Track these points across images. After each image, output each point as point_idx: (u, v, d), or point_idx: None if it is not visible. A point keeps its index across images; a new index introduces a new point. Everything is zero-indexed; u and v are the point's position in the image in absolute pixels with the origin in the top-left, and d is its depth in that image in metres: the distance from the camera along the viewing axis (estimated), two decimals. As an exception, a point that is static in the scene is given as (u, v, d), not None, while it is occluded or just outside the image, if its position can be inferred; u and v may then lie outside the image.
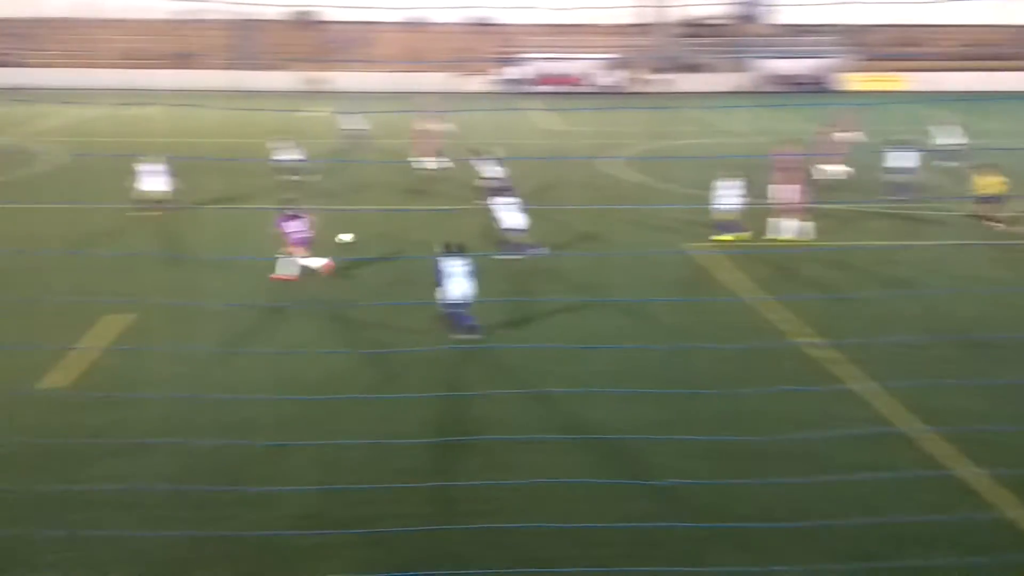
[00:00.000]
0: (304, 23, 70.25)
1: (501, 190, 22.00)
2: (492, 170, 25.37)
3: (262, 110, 37.74)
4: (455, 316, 15.93)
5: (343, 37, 68.23)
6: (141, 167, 24.04)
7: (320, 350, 15.03)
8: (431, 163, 30.94)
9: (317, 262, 19.21)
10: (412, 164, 30.78)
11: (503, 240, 20.67)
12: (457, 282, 15.73)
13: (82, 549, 9.87)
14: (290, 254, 18.92)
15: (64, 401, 13.35)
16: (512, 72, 65.16)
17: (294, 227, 18.94)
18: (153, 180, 24.01)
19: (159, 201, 23.86)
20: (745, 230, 22.40)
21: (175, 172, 24.24)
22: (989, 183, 24.13)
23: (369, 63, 63.84)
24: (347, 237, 21.04)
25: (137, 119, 43.98)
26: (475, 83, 63.38)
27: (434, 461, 11.83)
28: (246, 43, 68.13)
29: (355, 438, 12.21)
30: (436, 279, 15.91)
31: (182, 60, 66.32)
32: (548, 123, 46.39)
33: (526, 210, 20.79)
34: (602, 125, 45.04)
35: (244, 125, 30.77)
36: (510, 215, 20.70)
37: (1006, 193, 23.89)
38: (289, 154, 28.63)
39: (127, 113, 45.11)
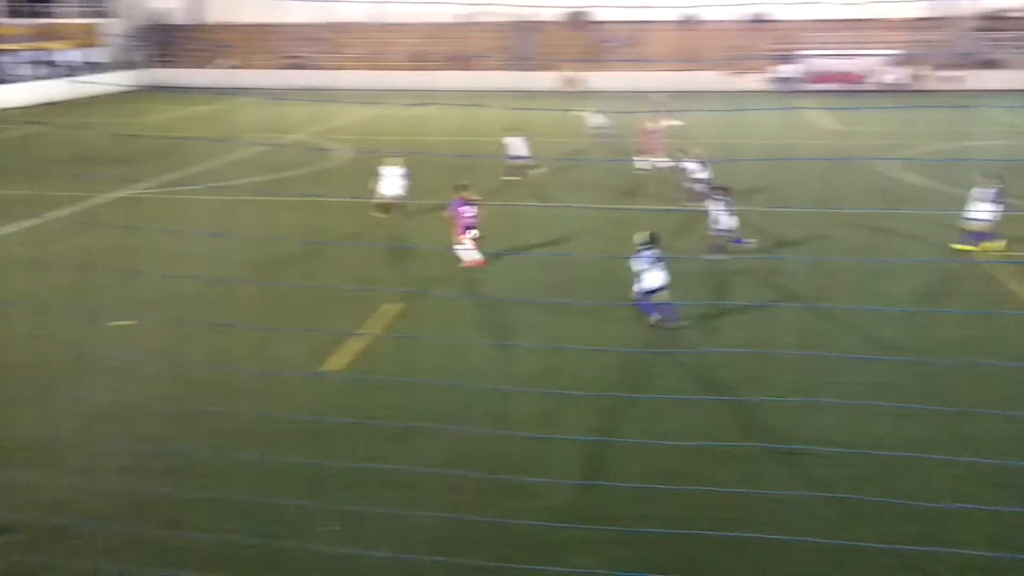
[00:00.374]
0: (578, 23, 71.28)
1: (716, 190, 21.30)
2: (700, 171, 25.27)
3: (532, 109, 38.60)
4: (647, 306, 16.45)
5: (615, 37, 68.69)
6: (382, 170, 24.86)
7: (589, 346, 15.20)
8: (653, 163, 30.69)
9: (472, 255, 19.59)
10: (636, 164, 30.69)
11: (714, 242, 20.12)
12: (650, 274, 16.20)
13: (352, 524, 10.51)
14: (460, 242, 19.53)
15: (343, 384, 14.27)
16: (787, 70, 63.21)
17: (468, 212, 19.50)
18: (391, 184, 24.65)
19: (391, 206, 24.20)
20: (999, 239, 20.65)
21: (410, 176, 24.78)
22: None
23: (640, 62, 63.91)
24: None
25: (417, 119, 46.21)
26: (748, 81, 61.98)
27: (690, 464, 11.71)
28: (521, 45, 70.01)
29: (615, 436, 12.30)
30: (633, 271, 16.29)
31: (462, 62, 69.02)
32: (822, 122, 44.69)
33: (736, 212, 20.25)
34: (881, 124, 42.86)
35: (513, 124, 31.74)
36: (723, 216, 20.22)
37: None
38: (518, 150, 29.78)
39: (409, 113, 47.49)
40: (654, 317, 16.37)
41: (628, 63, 63.90)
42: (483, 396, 13.56)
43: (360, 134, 42.01)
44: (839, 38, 65.01)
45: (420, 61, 68.08)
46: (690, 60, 60.71)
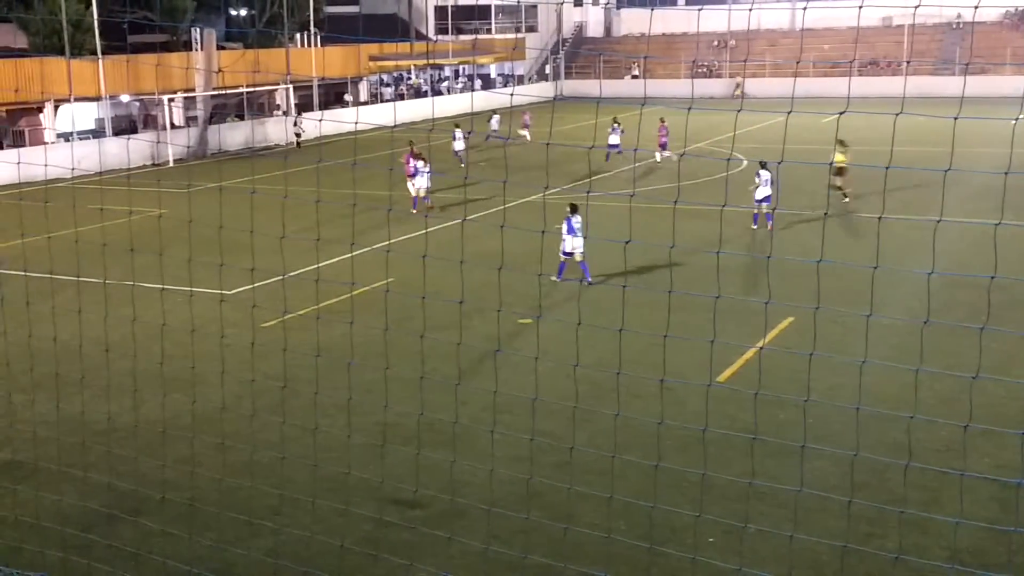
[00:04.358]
0: (1021, 22, 65.24)
1: None
2: None
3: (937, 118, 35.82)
4: (561, 266, 20.69)
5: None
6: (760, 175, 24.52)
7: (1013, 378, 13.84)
8: None
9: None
10: None
11: None
12: (569, 239, 20.43)
13: (730, 537, 10.30)
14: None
15: (731, 395, 14.05)
16: None
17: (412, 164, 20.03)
18: (764, 189, 24.40)
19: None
20: None
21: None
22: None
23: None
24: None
25: (822, 127, 44.52)
26: None
27: None
28: (953, 47, 65.30)
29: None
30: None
31: (874, 67, 65.72)
32: None
33: None
34: None
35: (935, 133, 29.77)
36: None
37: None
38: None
39: (818, 122, 45.93)
40: (560, 279, 20.39)
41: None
42: (877, 421, 12.74)
43: (762, 142, 41.26)
44: None
45: (834, 67, 65.66)
46: None
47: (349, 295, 17.48)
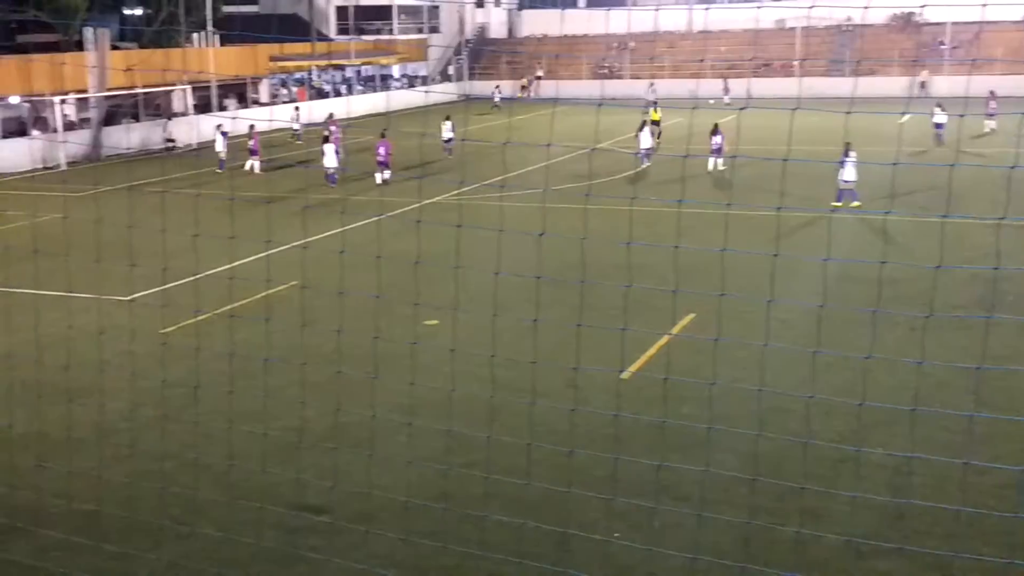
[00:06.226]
0: (906, 25, 67.56)
1: None
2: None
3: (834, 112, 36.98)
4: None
5: (949, 38, 64.54)
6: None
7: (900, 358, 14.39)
8: None
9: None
10: None
11: None
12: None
13: (637, 530, 10.54)
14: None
15: (637, 391, 14.32)
16: None
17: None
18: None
19: None
20: None
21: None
22: None
23: (976, 64, 59.61)
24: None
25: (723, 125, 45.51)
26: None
27: (1000, 498, 10.78)
28: (843, 49, 67.33)
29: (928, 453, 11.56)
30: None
31: (775, 68, 67.42)
32: None
33: None
34: None
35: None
36: None
37: None
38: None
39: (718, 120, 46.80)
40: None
41: (961, 64, 59.87)
42: (778, 411, 13.17)
43: (666, 140, 42.01)
44: None
45: (732, 68, 67.10)
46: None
47: (257, 297, 17.29)
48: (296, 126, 46.59)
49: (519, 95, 67.48)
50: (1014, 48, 62.21)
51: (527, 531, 10.38)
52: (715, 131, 34.93)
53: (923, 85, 59.01)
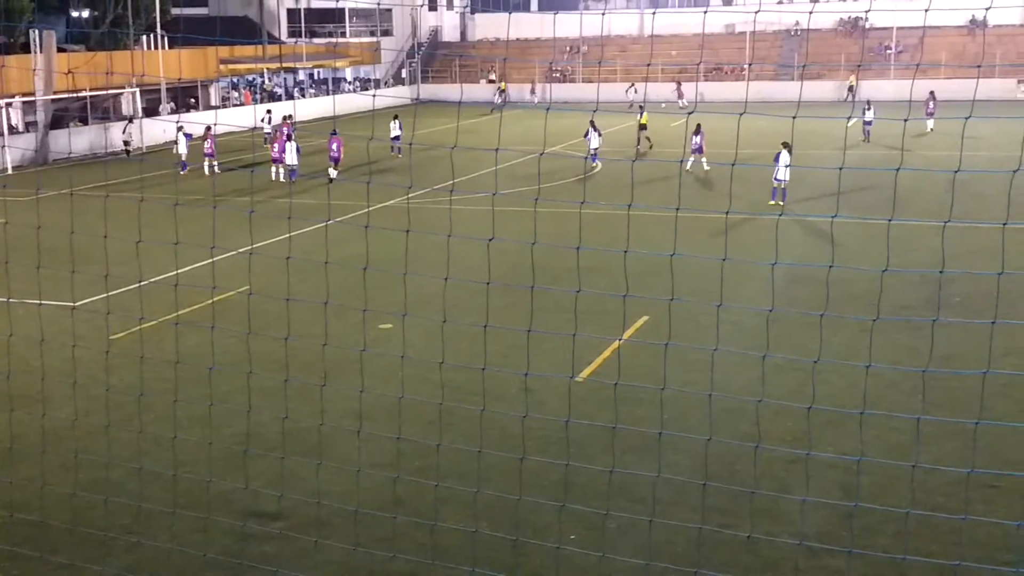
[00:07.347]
0: (853, 30, 68.52)
1: None
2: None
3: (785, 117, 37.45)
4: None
5: (894, 43, 65.52)
6: None
7: (848, 362, 14.54)
8: None
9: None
10: None
11: None
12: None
13: (592, 533, 10.54)
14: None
15: (590, 394, 14.34)
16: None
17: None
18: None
19: None
20: None
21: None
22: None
23: (920, 68, 60.60)
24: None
25: (671, 129, 45.81)
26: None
27: (955, 498, 10.93)
28: (791, 53, 68.10)
29: (871, 456, 11.68)
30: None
31: (719, 72, 68.01)
32: None
33: None
34: None
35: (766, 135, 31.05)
36: None
37: None
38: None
39: (667, 124, 47.14)
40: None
41: (905, 69, 60.79)
42: (728, 413, 13.26)
43: (619, 145, 42.20)
44: None
45: (683, 72, 67.61)
46: (972, 66, 56.91)
47: (207, 303, 17.07)
48: (268, 128, 46.11)
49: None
50: (957, 52, 63.37)
51: (481, 537, 10.33)
52: (697, 131, 35.11)
53: (851, 89, 59.68)
